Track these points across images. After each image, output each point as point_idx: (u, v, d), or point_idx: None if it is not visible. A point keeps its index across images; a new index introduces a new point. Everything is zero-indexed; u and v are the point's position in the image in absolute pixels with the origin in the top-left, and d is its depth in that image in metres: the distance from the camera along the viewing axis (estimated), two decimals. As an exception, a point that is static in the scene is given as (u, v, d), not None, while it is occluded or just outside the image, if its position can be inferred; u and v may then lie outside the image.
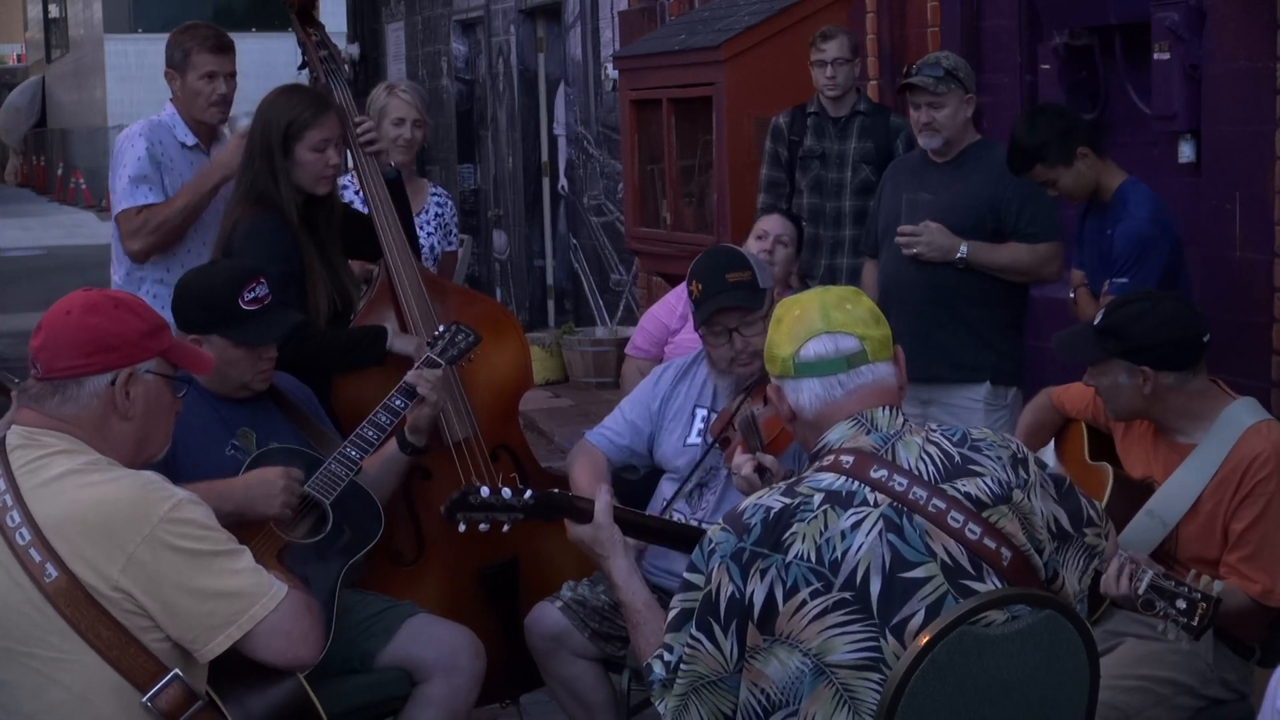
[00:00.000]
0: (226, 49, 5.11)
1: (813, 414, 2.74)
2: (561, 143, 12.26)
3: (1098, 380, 3.74)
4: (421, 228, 5.50)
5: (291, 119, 4.36)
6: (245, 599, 2.79)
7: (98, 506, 2.73)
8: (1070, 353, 3.85)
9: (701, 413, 4.13)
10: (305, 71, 4.94)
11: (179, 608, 2.74)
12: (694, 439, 4.11)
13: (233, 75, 5.10)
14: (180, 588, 2.73)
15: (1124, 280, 4.64)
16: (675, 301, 5.59)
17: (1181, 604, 3.24)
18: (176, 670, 2.75)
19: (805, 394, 2.74)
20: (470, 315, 4.52)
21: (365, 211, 4.75)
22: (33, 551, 2.70)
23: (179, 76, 5.05)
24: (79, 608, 2.69)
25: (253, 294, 3.84)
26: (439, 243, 5.75)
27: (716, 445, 3.98)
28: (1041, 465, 2.80)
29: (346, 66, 4.81)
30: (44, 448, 2.81)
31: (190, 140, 5.07)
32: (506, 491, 3.26)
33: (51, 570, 2.69)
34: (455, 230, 5.97)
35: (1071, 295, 4.93)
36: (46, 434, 2.83)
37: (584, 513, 3.22)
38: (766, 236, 5.41)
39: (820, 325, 2.75)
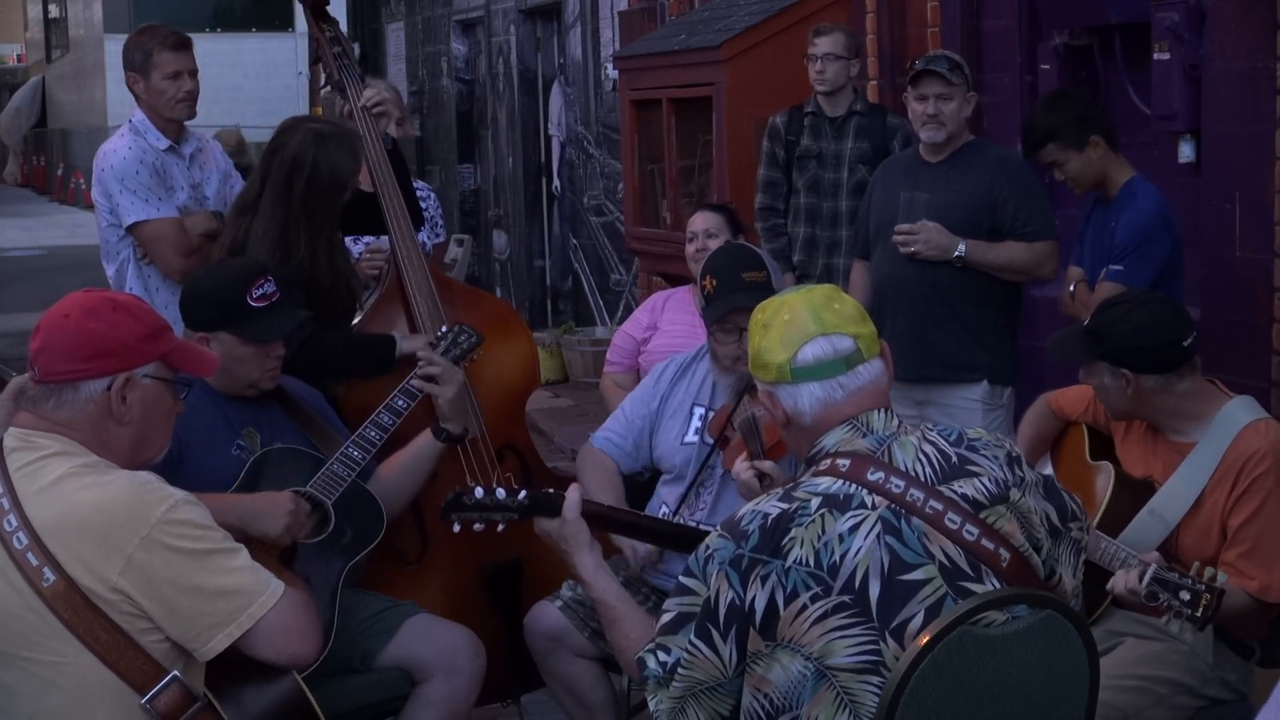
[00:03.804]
0: (185, 47, 5.13)
1: (812, 418, 2.72)
2: (555, 143, 12.28)
3: (1090, 380, 3.77)
4: None
5: (341, 170, 4.34)
6: (244, 597, 2.79)
7: (94, 509, 2.72)
8: (1061, 353, 3.88)
9: (700, 410, 4.13)
10: (318, 67, 4.92)
11: (178, 608, 2.73)
12: (691, 437, 4.11)
13: (194, 73, 5.11)
14: (179, 587, 2.73)
15: (1120, 268, 4.66)
16: (641, 315, 5.66)
17: (1185, 595, 3.25)
18: (175, 672, 2.74)
19: (805, 399, 2.72)
20: (478, 315, 4.53)
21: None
22: (30, 555, 2.69)
23: (141, 79, 5.09)
24: (77, 611, 2.69)
25: (261, 291, 3.86)
26: (427, 238, 5.78)
27: (717, 447, 3.97)
28: (1031, 465, 2.80)
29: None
30: (40, 450, 2.80)
31: (164, 144, 5.09)
32: (501, 491, 3.26)
33: (49, 574, 2.68)
34: (441, 223, 6.00)
35: (1071, 289, 4.92)
36: (43, 436, 2.82)
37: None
38: (695, 237, 5.38)
39: (814, 328, 2.73)
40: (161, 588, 2.72)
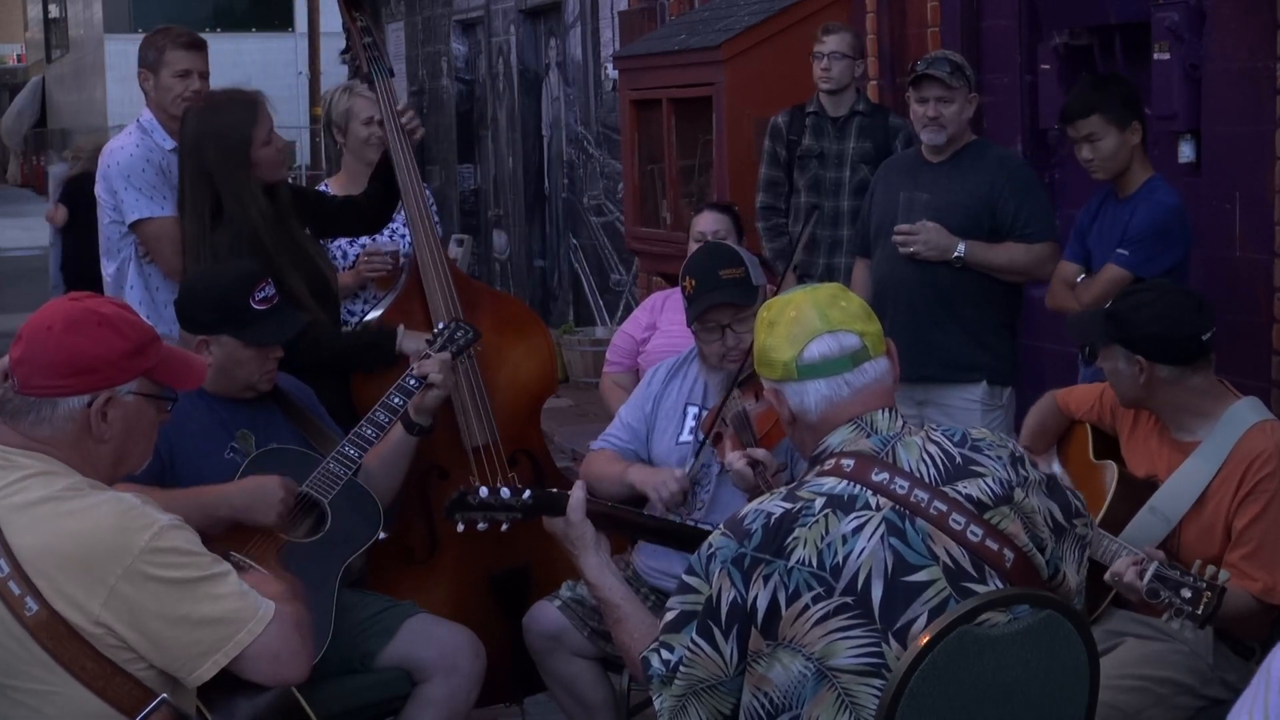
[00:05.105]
0: (199, 47, 5.19)
1: (818, 415, 2.72)
2: (545, 143, 12.31)
3: (1104, 363, 3.78)
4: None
5: (237, 128, 4.38)
6: (232, 625, 2.70)
7: (76, 538, 2.64)
8: (1079, 334, 3.89)
9: (693, 410, 4.13)
10: (348, 57, 4.94)
11: (164, 638, 2.66)
12: (686, 437, 4.11)
13: (205, 75, 5.14)
14: (164, 618, 2.65)
15: (1126, 253, 4.64)
16: (641, 315, 5.67)
17: (1187, 592, 3.24)
18: (164, 695, 2.67)
19: (811, 396, 2.72)
20: (497, 316, 4.53)
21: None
22: (12, 584, 2.62)
23: (152, 76, 5.14)
24: (61, 641, 2.61)
25: (263, 294, 3.86)
26: None
27: (708, 442, 3.98)
28: (1034, 464, 2.80)
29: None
30: (21, 470, 2.71)
31: (169, 144, 5.10)
32: (505, 491, 3.26)
33: (31, 604, 2.61)
34: (437, 222, 6.01)
35: (1079, 279, 4.88)
36: (22, 455, 2.73)
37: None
38: (704, 237, 5.35)
39: (820, 325, 2.72)
40: (145, 619, 2.64)
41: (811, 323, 2.73)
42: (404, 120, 4.69)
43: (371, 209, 4.82)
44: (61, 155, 12.25)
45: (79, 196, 11.05)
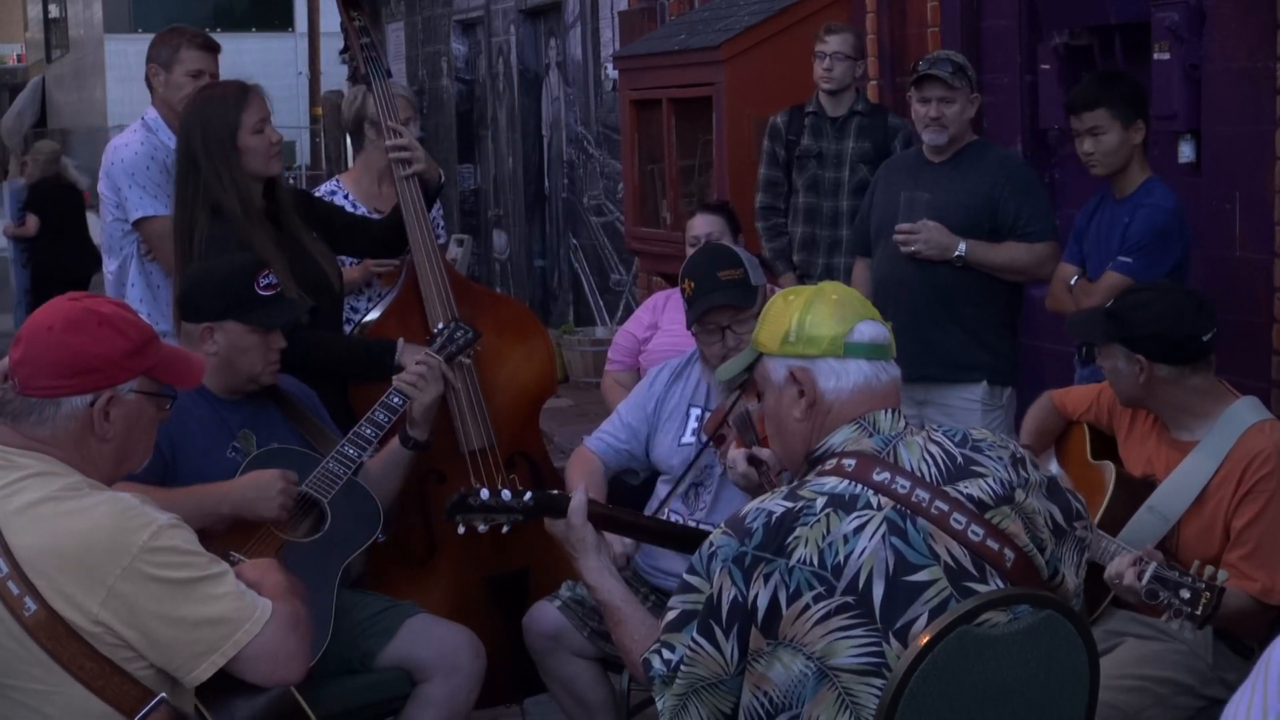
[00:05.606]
0: (212, 49, 5.22)
1: (852, 397, 2.72)
2: (545, 143, 12.29)
3: (1104, 362, 3.78)
4: None
5: (225, 114, 4.37)
6: (230, 624, 2.70)
7: (75, 538, 2.64)
8: (1079, 332, 3.90)
9: (696, 411, 4.13)
10: (347, 57, 4.93)
11: (162, 638, 2.66)
12: (688, 438, 4.11)
13: (215, 77, 5.15)
14: (162, 618, 2.65)
15: (1129, 260, 4.65)
16: (643, 314, 5.68)
17: (1185, 593, 3.24)
18: (163, 694, 2.67)
19: (851, 375, 2.73)
20: (496, 319, 4.52)
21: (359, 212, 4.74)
22: (10, 584, 2.62)
23: (163, 72, 5.16)
24: (60, 641, 2.61)
25: (266, 280, 3.87)
26: None
27: (711, 443, 3.98)
28: (1035, 466, 2.80)
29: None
30: (20, 470, 2.72)
31: (174, 142, 5.10)
32: (506, 493, 3.26)
33: (30, 604, 2.61)
34: (442, 224, 6.01)
35: (1072, 282, 4.88)
36: (23, 455, 2.73)
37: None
38: (698, 241, 5.33)
39: (864, 310, 2.78)
40: (144, 618, 2.64)
41: (858, 307, 2.78)
42: (400, 144, 4.64)
43: (386, 235, 4.77)
44: (22, 161, 12.10)
45: (46, 204, 10.96)
